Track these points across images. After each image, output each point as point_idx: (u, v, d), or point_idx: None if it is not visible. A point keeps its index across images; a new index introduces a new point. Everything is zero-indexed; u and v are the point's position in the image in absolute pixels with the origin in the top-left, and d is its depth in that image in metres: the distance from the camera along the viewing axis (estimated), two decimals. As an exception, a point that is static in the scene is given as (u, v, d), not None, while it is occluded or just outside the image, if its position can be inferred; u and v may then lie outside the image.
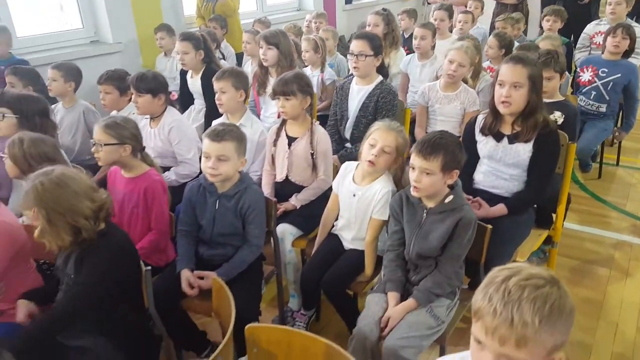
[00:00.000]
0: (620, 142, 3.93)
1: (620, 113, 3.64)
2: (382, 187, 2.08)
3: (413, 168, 1.78)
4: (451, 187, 1.84)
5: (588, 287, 2.56)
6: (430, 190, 1.78)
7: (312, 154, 2.45)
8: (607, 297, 2.49)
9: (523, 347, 0.92)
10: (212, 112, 3.28)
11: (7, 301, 1.81)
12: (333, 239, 2.28)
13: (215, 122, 2.70)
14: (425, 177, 1.75)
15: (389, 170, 2.13)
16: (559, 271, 2.60)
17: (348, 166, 2.23)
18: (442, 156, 1.72)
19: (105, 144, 2.05)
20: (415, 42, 3.65)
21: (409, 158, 1.88)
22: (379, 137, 2.04)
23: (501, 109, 2.06)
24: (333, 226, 2.33)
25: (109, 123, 2.07)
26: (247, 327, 1.43)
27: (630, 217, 3.24)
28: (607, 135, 3.63)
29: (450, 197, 1.81)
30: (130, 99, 2.99)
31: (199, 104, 3.56)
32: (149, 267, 1.72)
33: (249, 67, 3.98)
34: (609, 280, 2.62)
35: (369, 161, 2.04)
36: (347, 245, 2.23)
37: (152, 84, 2.57)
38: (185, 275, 1.96)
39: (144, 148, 2.21)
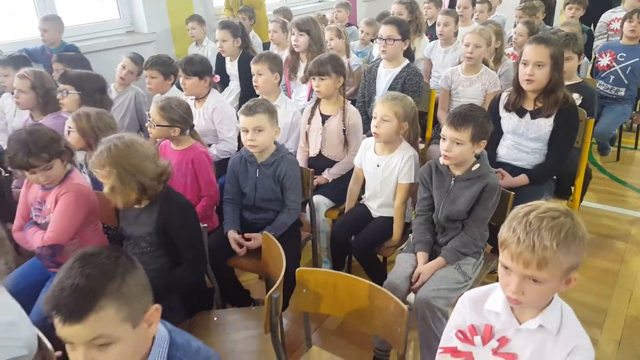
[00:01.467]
0: (638, 126, 4.03)
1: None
2: (404, 154, 2.27)
3: (444, 138, 1.94)
4: (477, 157, 2.00)
5: (605, 258, 2.70)
6: (459, 159, 1.94)
7: (344, 131, 2.64)
8: (622, 268, 2.63)
9: (544, 267, 1.09)
10: (246, 94, 3.49)
11: (79, 256, 2.03)
12: (361, 207, 2.47)
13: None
14: (456, 146, 1.91)
15: (403, 136, 2.30)
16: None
17: (367, 142, 2.42)
18: (471, 127, 1.88)
19: (157, 125, 2.26)
20: (438, 29, 3.79)
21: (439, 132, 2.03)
22: (377, 109, 2.24)
23: (525, 86, 2.21)
24: (360, 198, 2.51)
25: (164, 105, 2.27)
26: (297, 270, 1.62)
27: (648, 196, 3.36)
28: (626, 119, 3.74)
29: (477, 166, 1.97)
30: (173, 82, 3.22)
31: (234, 85, 3.77)
32: (205, 225, 1.92)
33: (276, 55, 4.18)
34: (625, 252, 2.76)
35: (374, 132, 2.23)
36: (375, 213, 2.41)
37: (199, 67, 2.78)
38: (233, 236, 2.17)
39: (193, 126, 2.42)
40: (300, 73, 3.43)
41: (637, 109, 3.79)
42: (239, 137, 2.93)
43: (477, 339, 1.26)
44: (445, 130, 1.93)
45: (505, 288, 1.18)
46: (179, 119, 2.28)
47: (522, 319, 1.22)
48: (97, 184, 2.07)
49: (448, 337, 1.34)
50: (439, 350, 1.35)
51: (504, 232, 1.16)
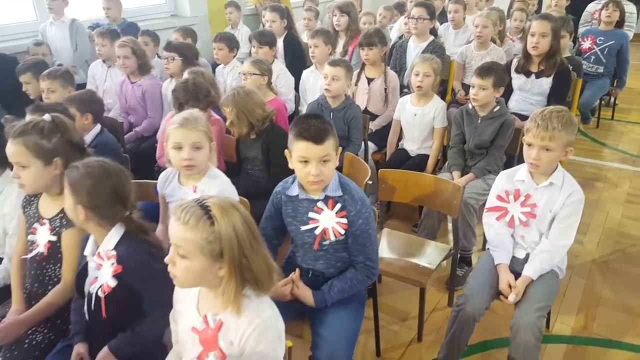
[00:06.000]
0: (614, 101, 4.82)
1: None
2: (437, 104, 2.97)
3: (473, 86, 2.64)
4: (497, 101, 2.71)
5: (588, 192, 3.35)
6: (485, 101, 2.64)
7: (385, 89, 3.32)
8: (601, 197, 3.40)
9: (553, 140, 1.79)
10: (290, 68, 4.11)
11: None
12: (401, 151, 3.16)
13: (305, 72, 3.62)
14: (482, 91, 2.61)
15: (432, 89, 2.99)
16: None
17: (403, 99, 3.12)
18: (493, 76, 2.58)
19: (252, 74, 2.91)
20: (449, 16, 4.49)
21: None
22: (419, 67, 2.92)
23: (532, 52, 2.95)
24: (398, 145, 3.20)
25: (255, 60, 2.94)
26: (380, 170, 2.31)
27: (621, 152, 4.14)
28: (604, 92, 4.49)
29: (497, 107, 2.68)
30: (235, 55, 3.84)
31: (278, 62, 4.40)
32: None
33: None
34: (603, 188, 3.53)
35: (418, 86, 2.91)
36: (413, 153, 3.10)
37: (270, 38, 3.44)
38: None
39: (271, 83, 3.08)
40: (339, 48, 4.09)
41: (614, 84, 4.56)
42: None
43: (511, 197, 1.96)
44: (474, 80, 2.64)
45: (528, 158, 1.87)
46: (267, 69, 2.94)
47: (538, 182, 1.93)
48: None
49: (490, 202, 2.04)
50: (484, 211, 2.05)
51: (528, 123, 1.87)
